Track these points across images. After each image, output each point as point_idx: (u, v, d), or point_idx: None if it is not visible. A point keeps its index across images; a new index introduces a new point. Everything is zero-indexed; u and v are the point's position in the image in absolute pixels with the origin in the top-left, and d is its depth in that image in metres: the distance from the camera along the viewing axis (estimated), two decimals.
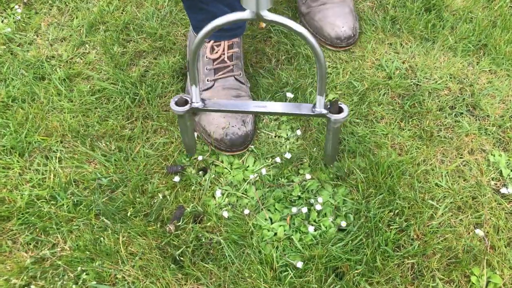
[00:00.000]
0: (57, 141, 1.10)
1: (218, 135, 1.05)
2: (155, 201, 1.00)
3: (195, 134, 1.10)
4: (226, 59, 1.13)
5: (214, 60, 1.13)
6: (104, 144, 1.09)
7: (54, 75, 1.23)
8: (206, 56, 1.13)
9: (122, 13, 1.38)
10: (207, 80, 1.12)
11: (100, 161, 1.07)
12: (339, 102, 0.90)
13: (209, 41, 1.13)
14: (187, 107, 0.95)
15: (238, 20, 0.79)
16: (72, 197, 1.00)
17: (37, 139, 1.10)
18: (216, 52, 1.13)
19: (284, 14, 1.38)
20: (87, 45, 1.31)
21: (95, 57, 1.28)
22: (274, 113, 0.96)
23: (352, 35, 1.26)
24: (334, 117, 0.90)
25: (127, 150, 1.08)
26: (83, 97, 1.18)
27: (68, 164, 1.06)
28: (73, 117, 1.14)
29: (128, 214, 0.97)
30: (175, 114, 1.14)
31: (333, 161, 1.01)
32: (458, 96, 1.19)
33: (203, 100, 0.95)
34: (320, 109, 0.90)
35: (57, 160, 1.07)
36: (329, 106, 0.90)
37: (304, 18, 1.34)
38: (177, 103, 0.95)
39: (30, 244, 0.95)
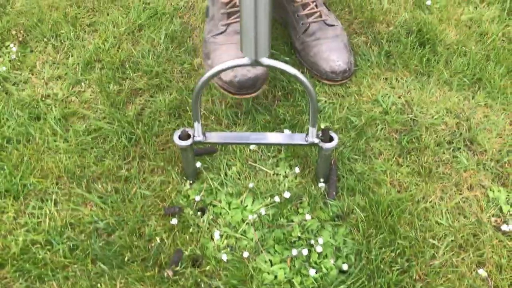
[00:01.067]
0: (53, 183, 1.08)
1: (227, 77, 1.10)
2: (152, 245, 0.98)
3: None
4: (238, 3, 1.18)
5: (226, 4, 1.18)
6: (100, 186, 1.08)
7: (49, 114, 1.22)
8: (220, 1, 1.19)
9: (117, 50, 1.38)
10: (221, 25, 1.17)
11: (96, 203, 1.05)
12: (330, 131, 0.98)
13: None
14: (189, 141, 0.99)
15: (238, 66, 0.87)
16: (68, 242, 0.99)
17: (32, 181, 1.08)
18: None
19: (280, 56, 1.38)
20: (82, 84, 1.30)
21: (90, 95, 1.27)
22: (270, 144, 1.02)
23: (347, 69, 1.26)
24: (325, 145, 0.98)
25: (124, 191, 1.07)
26: (79, 137, 1.17)
27: (64, 207, 1.05)
28: (69, 157, 1.13)
29: (126, 259, 0.96)
30: (175, 150, 1.13)
31: (324, 177, 1.06)
32: (455, 131, 1.19)
33: (204, 134, 1.00)
34: (312, 138, 0.98)
35: (52, 203, 1.05)
36: (320, 135, 0.98)
37: (299, 54, 1.34)
38: (180, 137, 0.99)
39: None
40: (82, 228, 1.01)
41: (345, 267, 0.94)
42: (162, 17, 1.48)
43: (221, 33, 1.19)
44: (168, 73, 1.32)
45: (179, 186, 1.09)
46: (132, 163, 1.12)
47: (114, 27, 1.45)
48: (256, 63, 0.84)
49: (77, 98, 1.27)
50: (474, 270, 0.96)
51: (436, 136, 1.18)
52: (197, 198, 1.06)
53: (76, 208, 1.04)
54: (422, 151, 1.14)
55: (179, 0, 1.54)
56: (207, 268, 0.95)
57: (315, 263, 0.96)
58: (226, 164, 1.12)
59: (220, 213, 1.05)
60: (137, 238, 0.99)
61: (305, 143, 0.99)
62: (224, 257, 0.97)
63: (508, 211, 1.05)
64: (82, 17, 1.49)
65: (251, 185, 1.08)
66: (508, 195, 1.07)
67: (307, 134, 0.99)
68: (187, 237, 1.00)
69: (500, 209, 1.05)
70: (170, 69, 1.33)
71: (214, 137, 1.01)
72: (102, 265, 0.95)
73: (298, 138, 1.00)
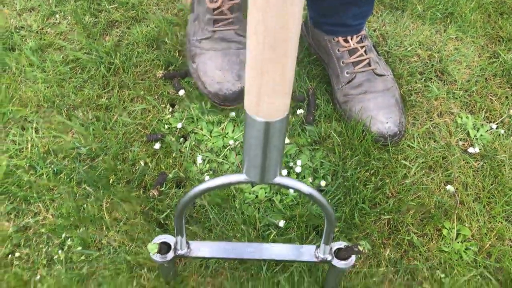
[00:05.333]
0: (33, 112, 1.08)
1: (212, 88, 1.06)
2: (136, 168, 1.01)
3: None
4: (226, 10, 1.09)
5: (213, 9, 1.09)
6: (81, 114, 1.09)
7: (24, 45, 1.20)
8: (206, 5, 1.10)
9: None
10: (207, 30, 1.09)
11: (78, 130, 1.06)
12: (354, 249, 0.78)
13: None
14: (170, 255, 0.80)
15: (235, 183, 0.70)
16: (52, 166, 1.00)
17: (12, 109, 1.08)
18: (215, 2, 1.09)
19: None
20: (57, 15, 1.28)
21: (66, 27, 1.26)
22: (271, 260, 0.86)
23: (398, 131, 1.05)
24: (339, 263, 0.80)
25: (105, 119, 1.08)
26: (57, 67, 1.16)
27: (45, 134, 1.05)
28: (48, 87, 1.12)
29: (110, 181, 0.98)
30: (154, 80, 1.14)
31: None
32: (427, 62, 1.23)
33: (188, 245, 0.82)
34: (324, 255, 0.80)
35: (33, 130, 1.05)
36: (336, 251, 0.80)
37: (340, 106, 1.12)
38: (159, 251, 0.79)
39: (11, 213, 0.95)
40: (65, 154, 1.03)
41: (323, 184, 0.99)
42: None
43: (207, 38, 1.10)
44: (144, 5, 1.31)
45: (160, 114, 1.10)
46: (111, 92, 1.13)
47: None
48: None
49: (52, 29, 1.25)
50: (442, 188, 1.02)
51: (409, 67, 1.22)
52: (179, 125, 1.08)
53: (57, 136, 1.05)
54: (396, 81, 1.18)
55: None
56: None
57: None
58: None
59: (202, 140, 1.07)
60: (121, 162, 1.01)
61: (316, 260, 0.81)
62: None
63: (475, 135, 1.11)
64: None
65: (232, 113, 1.11)
66: (475, 121, 1.13)
67: (317, 247, 0.81)
68: (170, 161, 1.02)
69: (468, 134, 1.11)
70: (146, 1, 1.32)
71: (200, 249, 0.82)
72: (87, 187, 0.97)
73: (307, 254, 0.81)
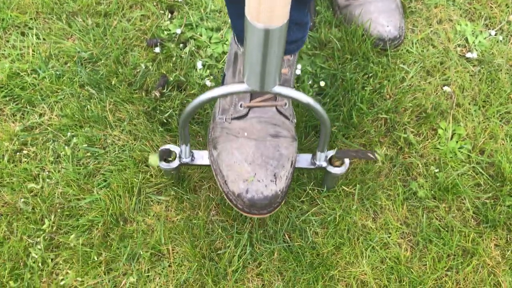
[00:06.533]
0: (32, 18, 1.08)
1: (236, 188, 0.80)
2: (138, 71, 1.02)
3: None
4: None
5: None
6: (80, 20, 1.08)
7: None
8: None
9: None
10: (240, 106, 0.85)
11: (78, 36, 1.06)
12: (369, 154, 0.81)
13: None
14: (176, 163, 0.84)
15: (236, 92, 0.71)
16: (54, 70, 1.01)
17: (11, 15, 1.07)
18: None
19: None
20: None
21: None
22: None
23: (398, 35, 1.07)
24: (334, 170, 0.85)
25: (105, 25, 1.08)
26: None
27: (46, 40, 1.05)
28: None
29: (113, 83, 0.99)
30: None
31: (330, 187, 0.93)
32: None
33: (192, 154, 0.85)
34: (320, 162, 0.85)
35: (34, 36, 1.05)
36: (331, 157, 0.85)
37: (340, 12, 1.13)
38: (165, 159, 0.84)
39: (16, 115, 0.97)
40: (67, 59, 1.03)
41: (322, 84, 1.00)
42: None
43: (240, 117, 0.85)
44: None
45: (159, 21, 1.10)
46: None
47: None
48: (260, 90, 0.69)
49: None
50: (439, 92, 1.04)
51: None
52: (178, 31, 1.08)
53: (58, 41, 1.05)
54: None
55: None
56: (192, 91, 1.00)
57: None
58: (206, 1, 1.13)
59: (201, 46, 1.08)
60: (122, 66, 1.02)
61: (312, 167, 0.86)
62: (208, 83, 1.02)
63: (473, 41, 1.12)
64: None
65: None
66: (474, 28, 1.13)
67: (313, 155, 0.86)
68: (171, 65, 1.03)
69: (466, 40, 1.12)
70: None
71: (203, 157, 0.86)
72: (90, 89, 0.99)
73: (304, 161, 0.87)
